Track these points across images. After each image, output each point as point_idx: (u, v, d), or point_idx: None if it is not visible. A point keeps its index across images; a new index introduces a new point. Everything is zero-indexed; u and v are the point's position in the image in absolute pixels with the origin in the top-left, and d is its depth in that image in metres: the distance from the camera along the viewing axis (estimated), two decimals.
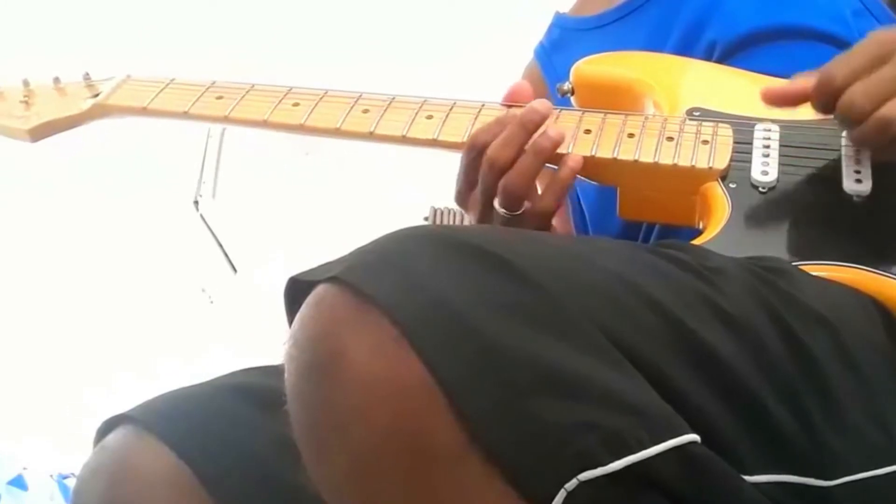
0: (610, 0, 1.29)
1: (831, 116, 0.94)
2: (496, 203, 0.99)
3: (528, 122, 0.98)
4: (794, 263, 0.87)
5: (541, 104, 1.00)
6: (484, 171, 0.99)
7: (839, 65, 0.92)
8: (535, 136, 0.98)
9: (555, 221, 1.36)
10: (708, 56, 1.16)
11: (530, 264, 0.66)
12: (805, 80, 0.95)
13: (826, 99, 0.92)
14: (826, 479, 0.72)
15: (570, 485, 0.60)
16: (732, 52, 1.14)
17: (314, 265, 0.69)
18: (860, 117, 0.90)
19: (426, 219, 5.19)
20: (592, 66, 1.17)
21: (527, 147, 0.98)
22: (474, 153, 1.00)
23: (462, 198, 1.03)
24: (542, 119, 0.99)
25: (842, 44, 1.12)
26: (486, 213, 1.01)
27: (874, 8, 1.19)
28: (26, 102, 1.18)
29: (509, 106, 1.06)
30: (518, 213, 0.99)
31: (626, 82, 1.15)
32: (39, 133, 1.16)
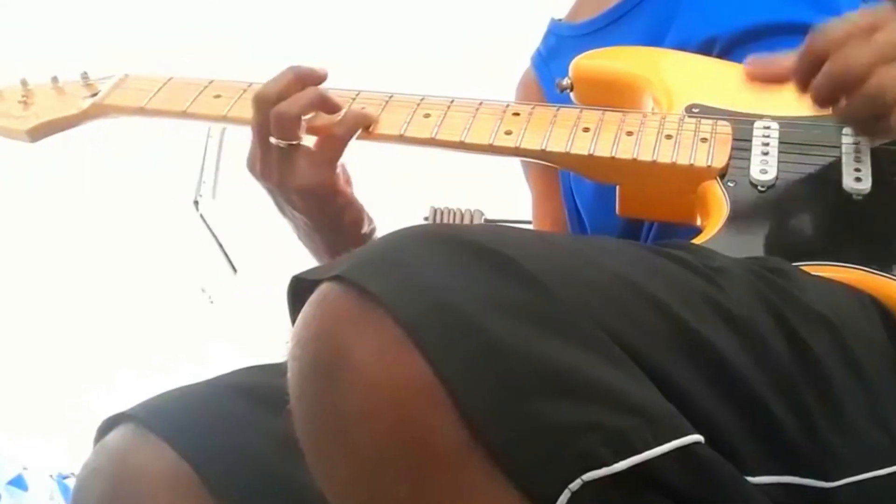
0: (602, 4, 1.28)
1: (829, 111, 0.90)
2: (272, 137, 1.06)
3: (300, 70, 1.07)
4: (793, 264, 0.87)
5: (321, 68, 1.09)
6: (255, 108, 1.06)
7: (832, 25, 0.89)
8: None
9: (545, 225, 1.36)
10: (707, 53, 1.15)
11: (534, 263, 0.66)
12: (789, 58, 0.92)
13: (815, 56, 0.88)
14: (828, 480, 0.71)
15: (575, 485, 0.60)
16: (732, 48, 1.14)
17: (315, 265, 0.69)
18: (856, 77, 0.86)
19: (426, 218, 5.17)
20: (592, 61, 1.16)
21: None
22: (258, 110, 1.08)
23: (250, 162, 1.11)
24: (318, 78, 1.08)
25: None
26: (265, 153, 1.07)
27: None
28: (25, 102, 1.18)
29: None
30: (294, 142, 1.06)
31: (625, 77, 1.14)
32: (38, 133, 1.16)
